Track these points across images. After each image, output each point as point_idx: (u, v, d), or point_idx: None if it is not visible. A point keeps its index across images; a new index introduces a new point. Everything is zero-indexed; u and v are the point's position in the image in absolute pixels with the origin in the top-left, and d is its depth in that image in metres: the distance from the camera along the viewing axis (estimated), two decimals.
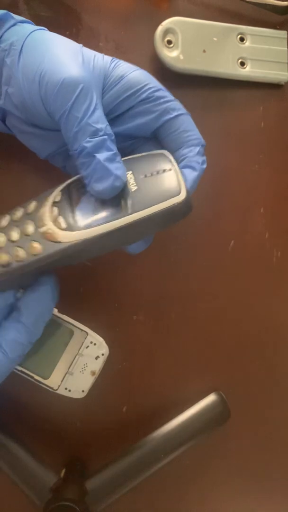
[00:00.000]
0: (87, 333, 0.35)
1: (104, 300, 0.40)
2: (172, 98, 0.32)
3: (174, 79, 0.42)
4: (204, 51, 0.41)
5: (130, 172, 0.29)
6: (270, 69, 0.44)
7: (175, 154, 0.32)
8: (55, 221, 0.28)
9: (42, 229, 0.28)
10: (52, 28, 0.39)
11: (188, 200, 0.27)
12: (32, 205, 0.30)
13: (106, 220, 0.27)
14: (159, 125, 0.32)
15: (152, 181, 0.28)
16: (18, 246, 0.28)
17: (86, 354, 0.35)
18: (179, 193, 0.27)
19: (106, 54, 0.40)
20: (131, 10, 0.42)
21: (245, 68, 0.43)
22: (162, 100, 0.31)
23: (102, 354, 0.35)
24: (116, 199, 0.28)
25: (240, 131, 0.43)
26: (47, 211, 0.28)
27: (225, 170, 0.43)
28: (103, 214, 0.28)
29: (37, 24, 0.38)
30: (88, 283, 0.39)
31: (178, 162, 0.32)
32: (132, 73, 0.31)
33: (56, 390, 0.34)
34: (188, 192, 0.28)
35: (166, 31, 0.40)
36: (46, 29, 0.33)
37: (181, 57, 0.40)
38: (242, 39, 0.43)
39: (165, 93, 0.32)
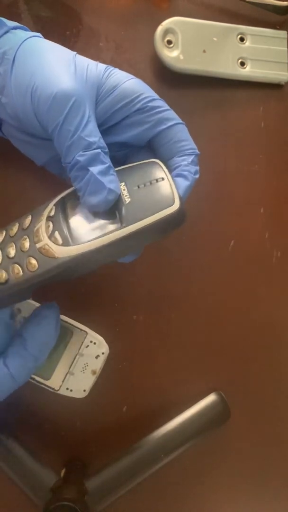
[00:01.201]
0: (86, 333, 0.35)
1: (104, 300, 0.40)
2: (166, 108, 0.32)
3: (174, 79, 0.42)
4: (204, 51, 0.41)
5: (123, 183, 0.29)
6: (270, 69, 0.44)
7: (168, 162, 0.32)
8: (50, 237, 0.27)
9: (39, 245, 0.27)
10: (52, 28, 0.40)
11: (182, 210, 0.27)
12: (28, 220, 0.30)
13: (101, 234, 0.27)
14: (153, 135, 0.32)
15: (145, 192, 0.28)
16: (16, 263, 0.28)
17: (86, 353, 0.35)
18: (172, 203, 0.27)
19: (106, 54, 0.41)
20: (131, 10, 0.42)
21: (245, 68, 0.43)
22: (156, 110, 0.31)
23: (102, 353, 0.35)
24: (110, 211, 0.28)
25: (240, 131, 0.43)
26: (43, 226, 0.28)
27: (225, 170, 0.43)
28: (98, 227, 0.27)
29: (36, 24, 0.38)
30: (88, 283, 0.39)
31: (171, 171, 0.31)
32: (126, 82, 0.31)
33: (58, 390, 0.34)
34: (182, 201, 0.27)
35: (166, 31, 0.40)
36: (39, 35, 0.32)
37: (181, 57, 0.40)
38: (242, 39, 0.43)
39: (160, 103, 0.31)
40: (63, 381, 0.34)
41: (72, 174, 0.28)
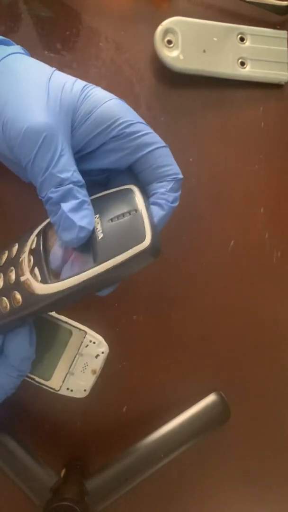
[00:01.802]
0: (85, 332, 0.35)
1: (104, 300, 0.40)
2: (147, 131, 0.30)
3: (174, 79, 0.42)
4: (204, 51, 0.41)
5: (97, 216, 0.28)
6: (270, 69, 0.44)
7: (148, 187, 0.31)
8: (31, 272, 0.28)
9: (22, 278, 0.28)
10: (52, 28, 0.40)
11: (154, 245, 0.26)
12: (14, 249, 0.30)
13: (76, 272, 0.27)
14: (133, 160, 0.30)
15: (118, 226, 0.27)
16: (4, 296, 0.29)
17: (86, 353, 0.35)
18: (144, 239, 0.26)
19: (106, 54, 0.41)
20: (131, 10, 0.42)
21: (245, 68, 0.43)
22: (134, 135, 0.30)
23: (102, 352, 0.35)
24: (85, 246, 0.28)
25: (240, 131, 0.43)
26: (25, 259, 0.28)
27: (225, 170, 0.43)
28: (74, 262, 0.28)
29: (36, 25, 0.38)
30: None
31: (149, 197, 0.31)
32: (102, 106, 0.29)
33: (58, 391, 0.34)
34: (153, 236, 0.26)
35: (166, 31, 0.40)
36: (19, 49, 0.31)
37: (181, 57, 0.40)
38: (242, 39, 0.43)
39: (139, 127, 0.30)
40: (63, 381, 0.34)
41: (47, 208, 0.28)
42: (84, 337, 0.35)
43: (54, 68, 0.30)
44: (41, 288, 0.27)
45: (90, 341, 0.35)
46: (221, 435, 0.40)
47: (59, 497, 0.33)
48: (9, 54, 0.30)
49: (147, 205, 0.29)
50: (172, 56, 0.40)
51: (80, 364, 0.35)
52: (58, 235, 0.28)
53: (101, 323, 0.36)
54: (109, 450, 0.38)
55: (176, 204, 0.31)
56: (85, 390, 0.35)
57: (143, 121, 0.31)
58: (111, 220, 0.28)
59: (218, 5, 0.43)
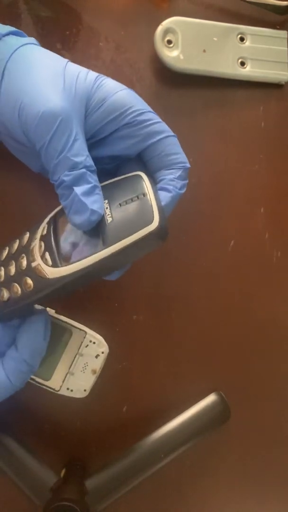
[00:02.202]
0: (85, 332, 0.35)
1: (104, 300, 0.40)
2: (157, 120, 0.31)
3: (174, 79, 0.42)
4: (204, 51, 0.41)
5: (106, 201, 0.29)
6: (270, 69, 0.44)
7: (156, 174, 0.32)
8: (42, 257, 0.28)
9: (33, 264, 0.29)
10: (52, 28, 0.40)
11: (162, 227, 0.27)
12: (26, 238, 0.31)
13: (86, 255, 0.27)
14: (143, 148, 0.31)
15: (126, 210, 0.28)
16: (15, 282, 0.29)
17: (86, 353, 0.35)
18: (152, 222, 0.27)
19: (106, 54, 0.41)
20: (131, 10, 0.42)
21: (245, 68, 0.43)
22: (145, 123, 0.31)
23: (102, 352, 0.35)
24: (94, 230, 0.28)
25: (240, 131, 0.43)
26: (36, 246, 0.29)
27: (225, 170, 0.43)
28: (84, 246, 0.28)
29: (36, 25, 0.38)
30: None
31: (157, 183, 0.31)
32: (115, 94, 0.30)
33: (58, 391, 0.34)
34: (161, 218, 0.27)
35: (166, 31, 0.40)
36: (32, 40, 0.32)
37: (181, 57, 0.40)
38: (242, 39, 0.43)
39: (150, 116, 0.31)
40: (63, 381, 0.34)
41: (59, 192, 0.28)
42: (84, 337, 0.35)
43: (67, 60, 0.31)
44: (52, 272, 0.28)
45: (90, 341, 0.35)
46: (221, 435, 0.40)
47: (59, 497, 0.33)
48: (24, 44, 0.31)
49: (155, 190, 0.29)
50: (172, 56, 0.40)
51: (80, 364, 0.35)
52: (69, 218, 0.28)
53: (101, 323, 0.36)
54: (109, 450, 0.38)
55: (183, 191, 0.32)
56: (85, 390, 0.35)
57: (153, 111, 0.32)
58: (120, 204, 0.28)
59: (218, 5, 0.43)
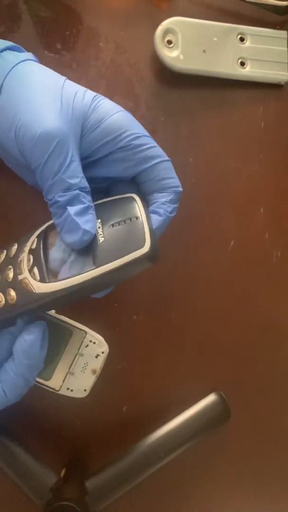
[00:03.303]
0: (86, 332, 0.35)
1: (104, 300, 0.40)
2: (152, 145, 0.31)
3: (174, 79, 0.42)
4: (204, 51, 0.41)
5: (99, 221, 0.29)
6: (270, 69, 0.44)
7: (149, 197, 0.32)
8: (30, 271, 0.28)
9: (20, 277, 0.28)
10: (52, 28, 0.40)
11: (153, 251, 0.27)
12: (14, 249, 0.30)
13: (75, 273, 0.27)
14: (138, 172, 0.31)
15: (119, 232, 0.28)
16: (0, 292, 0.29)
17: (86, 353, 0.35)
18: (143, 245, 0.27)
19: (106, 54, 0.41)
20: (131, 10, 0.42)
21: (245, 68, 0.43)
22: (141, 148, 0.31)
23: (102, 352, 0.35)
24: (85, 248, 0.28)
25: (240, 131, 0.43)
26: (25, 259, 0.29)
27: (225, 170, 0.43)
28: (73, 264, 0.28)
29: (36, 25, 0.38)
30: None
31: (149, 205, 0.32)
32: (111, 117, 0.30)
33: (58, 391, 0.34)
34: (153, 242, 0.27)
35: (166, 31, 0.40)
36: (30, 56, 0.32)
37: (181, 57, 0.40)
38: (242, 39, 0.43)
39: (145, 140, 0.31)
40: (63, 381, 0.34)
41: (52, 210, 0.28)
42: (84, 337, 0.35)
43: (65, 77, 0.31)
44: (39, 287, 0.28)
45: (90, 341, 0.35)
46: (221, 435, 0.40)
47: (59, 497, 0.33)
48: (21, 61, 0.30)
49: (147, 213, 0.29)
50: (172, 56, 0.40)
51: (80, 364, 0.35)
52: (61, 236, 0.29)
53: (101, 323, 0.36)
54: (109, 450, 0.38)
55: (174, 214, 0.32)
56: (85, 390, 0.35)
57: (148, 134, 0.32)
58: (112, 225, 0.29)
59: (218, 5, 0.43)
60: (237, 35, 0.43)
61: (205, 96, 0.43)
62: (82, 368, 0.35)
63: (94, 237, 0.28)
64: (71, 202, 0.28)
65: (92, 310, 0.39)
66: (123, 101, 0.41)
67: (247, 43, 0.43)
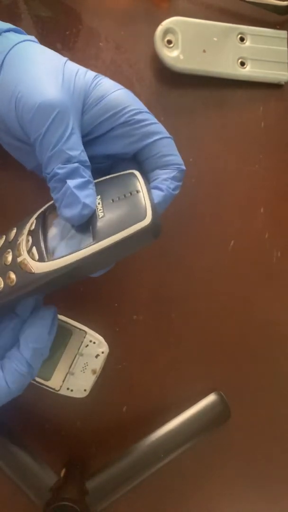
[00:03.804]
0: (86, 332, 0.35)
1: (104, 300, 0.40)
2: (154, 121, 0.31)
3: (174, 79, 0.42)
4: (204, 51, 0.41)
5: (99, 197, 0.29)
6: (270, 69, 0.44)
7: (151, 174, 0.31)
8: (29, 251, 0.28)
9: (19, 259, 0.28)
10: (52, 28, 0.40)
11: (155, 224, 0.26)
12: (13, 233, 0.30)
13: (75, 249, 0.27)
14: (139, 148, 0.31)
15: (119, 206, 0.28)
16: None
17: (86, 353, 0.35)
18: (144, 218, 0.26)
19: (106, 54, 0.41)
20: (131, 10, 0.42)
21: (245, 68, 0.43)
22: (142, 123, 0.30)
23: (102, 352, 0.35)
24: (85, 226, 0.28)
25: (240, 131, 0.43)
26: (23, 241, 0.28)
27: (225, 170, 0.43)
28: (72, 241, 0.28)
29: (36, 24, 0.38)
30: (88, 283, 0.39)
31: (150, 182, 0.31)
32: (113, 93, 0.30)
33: (58, 391, 0.34)
34: (154, 215, 0.27)
35: (166, 31, 0.40)
36: (33, 38, 0.32)
37: (181, 57, 0.40)
38: (242, 39, 0.43)
39: (147, 116, 0.31)
40: (63, 381, 0.34)
41: (51, 185, 0.28)
42: (84, 337, 0.35)
43: (66, 58, 0.31)
44: (38, 267, 0.27)
45: (90, 341, 0.35)
46: (221, 435, 0.40)
47: (59, 497, 0.33)
48: (24, 40, 0.31)
49: (148, 188, 0.29)
50: (172, 56, 0.40)
51: (80, 364, 0.35)
52: (60, 211, 0.28)
53: (101, 323, 0.36)
54: (109, 450, 0.38)
55: (177, 192, 0.31)
56: (85, 390, 0.35)
57: (150, 112, 0.31)
58: (112, 200, 0.28)
59: (218, 5, 0.43)
60: (237, 35, 0.43)
61: (205, 96, 0.43)
62: (82, 368, 0.35)
63: (94, 213, 0.28)
64: (70, 175, 0.27)
65: (92, 310, 0.39)
66: None
67: (247, 43, 0.43)
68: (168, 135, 0.32)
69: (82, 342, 0.35)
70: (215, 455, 0.41)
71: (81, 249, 0.26)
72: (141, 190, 0.28)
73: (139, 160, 0.32)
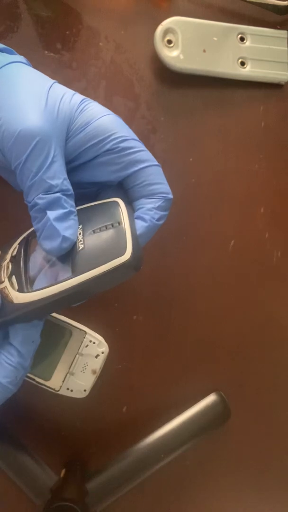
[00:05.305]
0: (85, 332, 0.35)
1: (104, 300, 0.40)
2: (140, 148, 0.30)
3: (174, 79, 0.42)
4: (204, 51, 0.41)
5: (80, 226, 0.28)
6: (270, 69, 0.44)
7: (136, 202, 0.31)
8: (9, 279, 0.27)
9: (1, 286, 0.27)
10: (52, 28, 0.40)
11: (134, 259, 0.26)
12: None
13: (53, 282, 0.26)
14: (125, 176, 0.30)
15: (99, 238, 0.27)
16: None
17: (86, 353, 0.35)
18: (124, 253, 0.26)
19: (106, 54, 0.41)
20: (131, 10, 0.42)
21: (245, 68, 0.43)
22: (127, 151, 0.29)
23: (102, 352, 0.35)
24: (65, 256, 0.27)
25: (240, 131, 0.43)
26: (5, 267, 0.28)
27: (225, 170, 0.43)
28: (52, 270, 0.27)
29: (36, 24, 0.38)
30: None
31: (135, 211, 0.30)
32: (99, 119, 0.29)
33: (58, 391, 0.34)
34: (134, 250, 0.26)
35: (166, 31, 0.40)
36: (22, 59, 0.31)
37: (181, 57, 0.40)
38: (242, 39, 0.43)
39: (133, 143, 0.30)
40: (63, 381, 0.34)
41: (32, 214, 0.27)
42: (84, 337, 0.35)
43: (54, 80, 0.31)
44: (17, 297, 0.26)
45: (90, 341, 0.35)
46: (221, 435, 0.40)
47: (59, 497, 0.33)
48: (10, 62, 0.30)
49: (131, 219, 0.28)
50: (172, 56, 0.40)
51: (80, 364, 0.35)
52: (39, 242, 0.27)
53: (101, 323, 0.36)
54: (109, 450, 0.38)
55: (161, 222, 0.30)
56: (85, 390, 0.35)
57: (137, 139, 0.31)
58: (94, 231, 0.27)
59: (218, 5, 0.43)
60: (237, 35, 0.43)
61: (205, 95, 0.43)
62: (82, 368, 0.35)
63: (74, 244, 0.27)
64: (51, 205, 0.27)
65: (92, 310, 0.39)
66: (123, 101, 0.41)
67: (247, 42, 0.43)
68: (155, 163, 0.31)
69: (82, 342, 0.35)
70: (215, 455, 0.41)
71: (59, 283, 0.26)
72: (123, 222, 0.27)
73: (126, 187, 0.31)
